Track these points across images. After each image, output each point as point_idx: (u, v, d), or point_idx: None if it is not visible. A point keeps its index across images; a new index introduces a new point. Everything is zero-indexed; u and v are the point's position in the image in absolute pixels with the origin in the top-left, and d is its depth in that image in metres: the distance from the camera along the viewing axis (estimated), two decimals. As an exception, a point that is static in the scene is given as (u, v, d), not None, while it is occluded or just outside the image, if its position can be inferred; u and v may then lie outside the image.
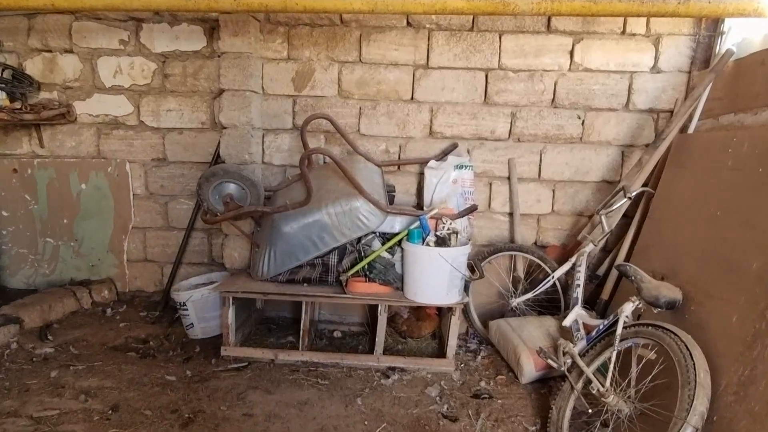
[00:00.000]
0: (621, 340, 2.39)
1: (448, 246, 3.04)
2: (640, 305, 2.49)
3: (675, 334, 2.21)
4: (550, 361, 2.69)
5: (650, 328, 2.32)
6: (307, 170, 3.11)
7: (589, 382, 2.47)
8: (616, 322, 2.53)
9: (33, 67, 3.89)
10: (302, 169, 3.11)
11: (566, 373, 2.62)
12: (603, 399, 2.31)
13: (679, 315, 2.48)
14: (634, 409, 2.26)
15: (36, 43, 3.87)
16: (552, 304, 3.52)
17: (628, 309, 2.47)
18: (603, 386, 2.32)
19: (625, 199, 2.87)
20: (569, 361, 2.67)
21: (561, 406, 2.52)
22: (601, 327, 2.64)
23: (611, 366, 2.35)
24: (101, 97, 3.93)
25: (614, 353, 2.36)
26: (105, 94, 3.92)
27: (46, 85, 3.91)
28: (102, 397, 2.69)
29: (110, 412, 2.56)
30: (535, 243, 3.85)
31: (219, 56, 3.62)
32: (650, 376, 2.25)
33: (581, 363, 2.53)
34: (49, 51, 3.88)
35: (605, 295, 3.38)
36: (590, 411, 2.38)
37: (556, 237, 3.88)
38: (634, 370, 2.38)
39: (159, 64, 3.86)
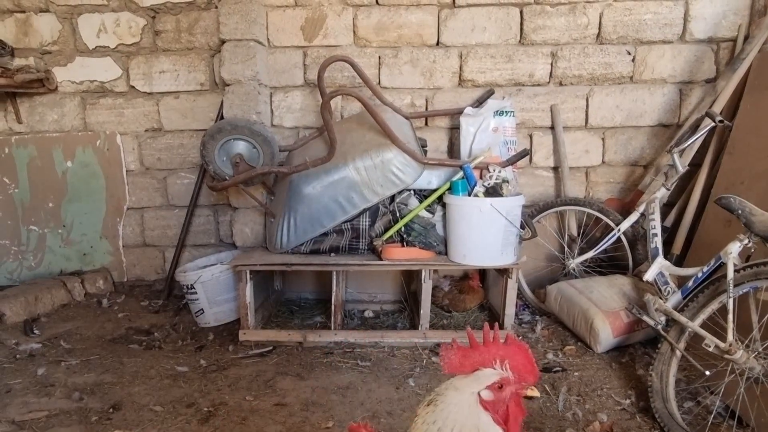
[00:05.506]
0: (735, 285, 1.95)
1: (501, 196, 2.59)
2: (749, 244, 2.04)
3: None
4: (645, 318, 2.23)
5: (779, 266, 1.87)
6: (330, 118, 2.66)
7: (694, 340, 2.03)
8: (718, 268, 2.10)
9: (4, 30, 3.40)
10: (324, 116, 2.65)
11: (662, 332, 2.16)
12: (727, 356, 1.85)
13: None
14: (768, 365, 1.82)
15: (6, 3, 3.37)
16: (611, 263, 3.08)
17: (735, 250, 2.02)
18: (724, 342, 1.87)
19: (711, 125, 2.41)
20: (663, 318, 2.23)
21: (662, 371, 2.07)
22: (699, 276, 2.18)
23: (730, 317, 1.89)
24: (84, 61, 3.44)
25: (731, 301, 1.91)
26: (89, 57, 3.44)
27: (21, 51, 3.43)
28: (101, 395, 2.22)
29: (111, 410, 2.08)
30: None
31: (216, 6, 3.18)
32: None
33: (682, 319, 2.07)
34: (22, 11, 3.38)
35: (676, 249, 2.95)
36: (708, 373, 1.92)
37: (608, 191, 3.43)
38: (756, 321, 1.93)
39: (149, 20, 3.38)
